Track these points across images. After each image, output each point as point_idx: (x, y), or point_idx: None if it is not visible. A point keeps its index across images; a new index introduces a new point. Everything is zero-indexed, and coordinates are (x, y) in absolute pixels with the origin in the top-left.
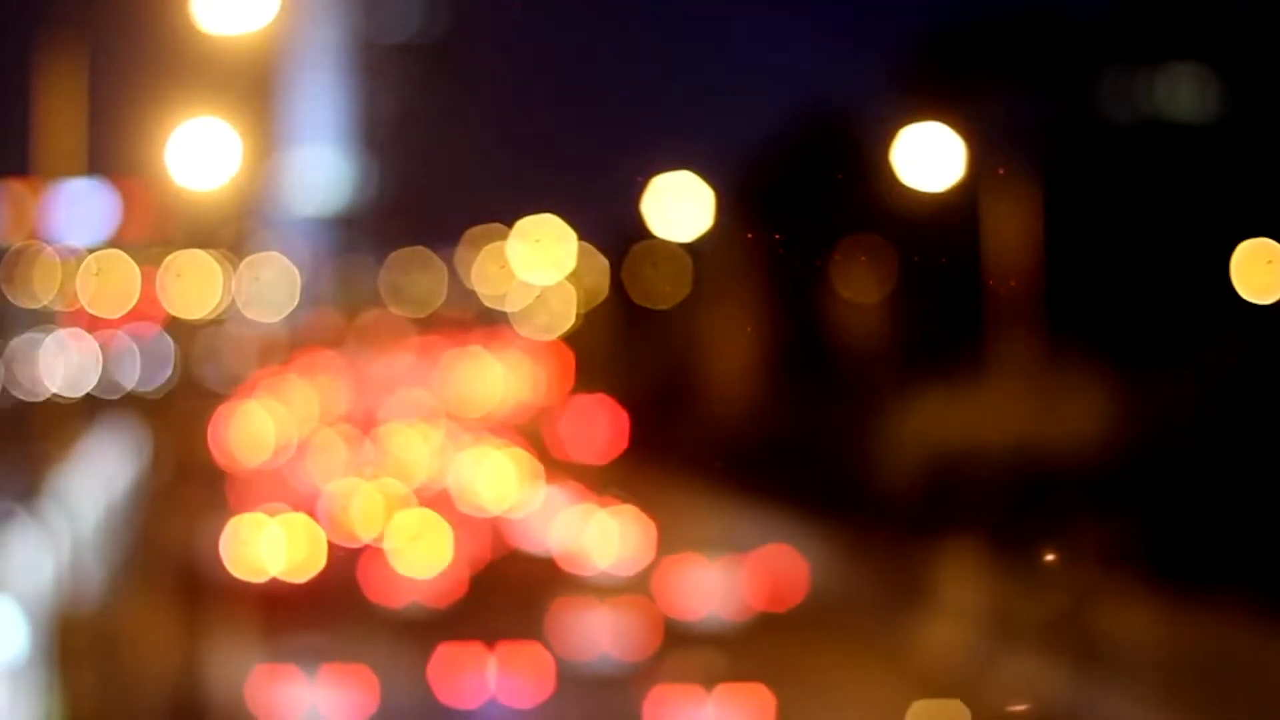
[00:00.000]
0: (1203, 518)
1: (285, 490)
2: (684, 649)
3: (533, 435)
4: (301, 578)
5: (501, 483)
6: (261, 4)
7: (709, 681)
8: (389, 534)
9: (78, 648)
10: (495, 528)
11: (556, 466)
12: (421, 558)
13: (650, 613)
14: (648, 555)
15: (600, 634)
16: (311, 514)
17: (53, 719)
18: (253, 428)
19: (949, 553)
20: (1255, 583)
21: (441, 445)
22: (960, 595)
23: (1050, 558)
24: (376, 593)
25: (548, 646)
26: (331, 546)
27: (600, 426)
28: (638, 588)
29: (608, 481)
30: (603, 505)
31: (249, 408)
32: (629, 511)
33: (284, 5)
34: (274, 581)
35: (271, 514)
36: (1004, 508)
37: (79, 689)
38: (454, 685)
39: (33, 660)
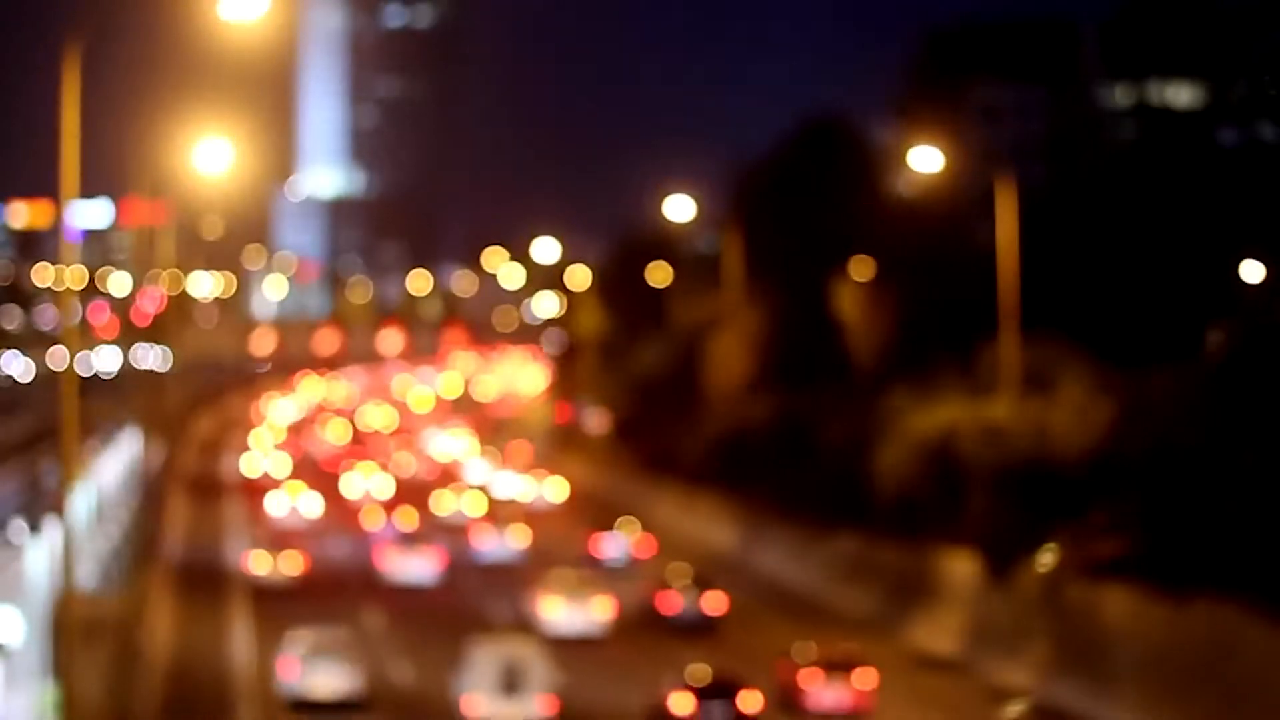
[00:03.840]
0: (1198, 516)
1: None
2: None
3: (502, 424)
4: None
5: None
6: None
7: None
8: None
9: (80, 643)
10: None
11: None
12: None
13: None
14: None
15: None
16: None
17: (55, 714)
18: (269, 416)
19: (947, 550)
20: (1249, 578)
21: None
22: (958, 592)
23: (1048, 557)
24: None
25: None
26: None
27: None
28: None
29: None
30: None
31: (265, 400)
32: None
33: (294, 31)
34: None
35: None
36: (1002, 507)
37: (81, 684)
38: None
39: (35, 656)
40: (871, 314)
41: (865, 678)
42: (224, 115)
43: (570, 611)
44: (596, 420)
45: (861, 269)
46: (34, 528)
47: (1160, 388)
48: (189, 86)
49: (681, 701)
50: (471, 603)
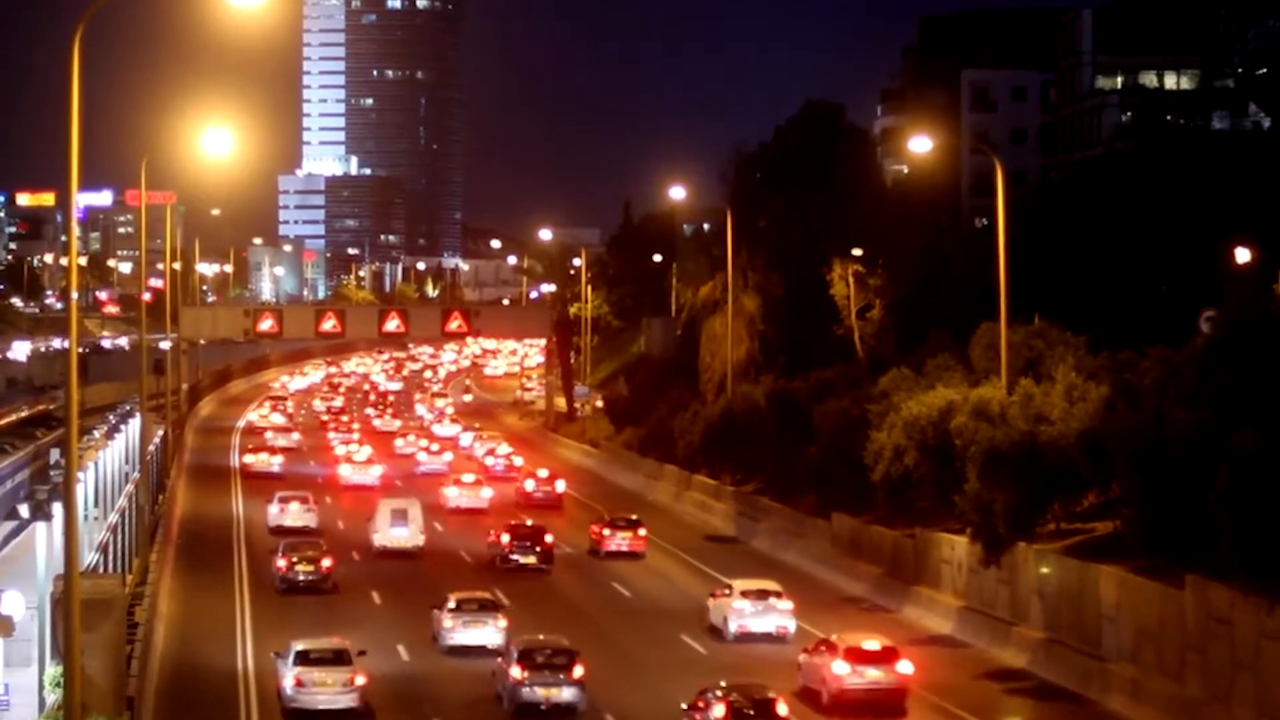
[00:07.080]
0: (1188, 496)
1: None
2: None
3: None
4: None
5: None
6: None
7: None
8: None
9: (82, 622)
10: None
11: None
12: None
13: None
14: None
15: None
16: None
17: (61, 701)
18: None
19: (942, 531)
20: (1239, 558)
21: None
22: (953, 572)
23: (1046, 571)
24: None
25: None
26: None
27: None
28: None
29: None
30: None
31: (267, 378)
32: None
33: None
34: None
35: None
36: (996, 488)
37: (86, 673)
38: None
39: (40, 645)
40: (867, 298)
41: (640, 533)
42: (227, 103)
43: (464, 495)
44: (593, 401)
45: (858, 253)
46: (38, 508)
47: (1152, 371)
48: (192, 75)
49: (503, 536)
50: (400, 496)
